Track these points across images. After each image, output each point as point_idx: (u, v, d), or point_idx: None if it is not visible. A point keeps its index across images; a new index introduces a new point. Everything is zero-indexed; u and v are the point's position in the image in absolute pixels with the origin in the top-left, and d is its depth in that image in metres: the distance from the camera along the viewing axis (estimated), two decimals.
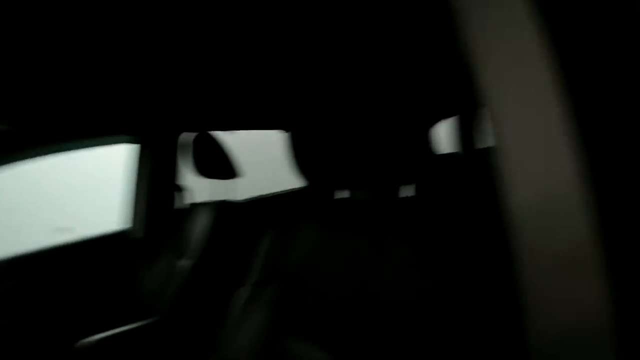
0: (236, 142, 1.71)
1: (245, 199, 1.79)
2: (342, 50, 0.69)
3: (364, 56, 0.73)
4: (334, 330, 0.53)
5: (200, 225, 1.34)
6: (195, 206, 1.50)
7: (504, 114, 0.25)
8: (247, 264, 0.74)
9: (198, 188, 1.72)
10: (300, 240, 0.66)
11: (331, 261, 0.58)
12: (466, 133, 1.37)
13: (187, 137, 1.51)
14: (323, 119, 0.54)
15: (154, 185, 1.60)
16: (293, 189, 2.18)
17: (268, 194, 2.00)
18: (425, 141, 0.52)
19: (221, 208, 1.29)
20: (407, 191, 0.62)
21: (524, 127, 0.24)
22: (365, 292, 0.50)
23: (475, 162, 1.23)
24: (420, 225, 0.50)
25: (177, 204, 1.71)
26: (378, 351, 0.45)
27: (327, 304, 0.56)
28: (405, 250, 0.47)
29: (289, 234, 0.68)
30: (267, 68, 0.80)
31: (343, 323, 0.52)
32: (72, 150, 1.37)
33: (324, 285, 0.58)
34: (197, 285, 1.21)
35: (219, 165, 1.36)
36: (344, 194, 0.65)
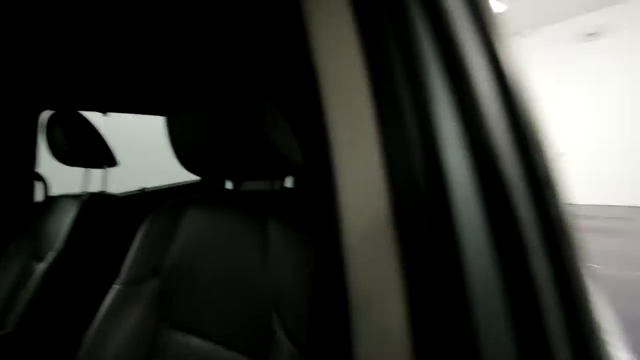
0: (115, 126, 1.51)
1: (121, 193, 1.60)
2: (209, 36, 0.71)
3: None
4: (216, 317, 0.54)
5: (62, 221, 1.14)
6: (54, 199, 1.27)
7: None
8: (117, 263, 0.69)
9: (59, 179, 1.46)
10: (179, 229, 0.64)
11: (210, 246, 0.59)
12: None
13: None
14: (195, 106, 0.54)
15: (4, 173, 1.29)
16: (176, 183, 2.06)
17: (148, 188, 1.83)
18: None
19: (89, 201, 1.12)
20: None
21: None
22: (245, 275, 0.53)
23: None
24: (295, 211, 0.56)
25: (34, 197, 1.42)
26: (260, 330, 0.48)
27: (207, 290, 0.57)
28: (283, 231, 0.51)
29: (167, 223, 0.66)
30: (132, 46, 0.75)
31: (224, 307, 0.54)
32: None
33: (203, 273, 0.58)
34: (56, 290, 1.04)
35: (86, 150, 1.18)
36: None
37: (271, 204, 0.55)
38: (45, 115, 1.37)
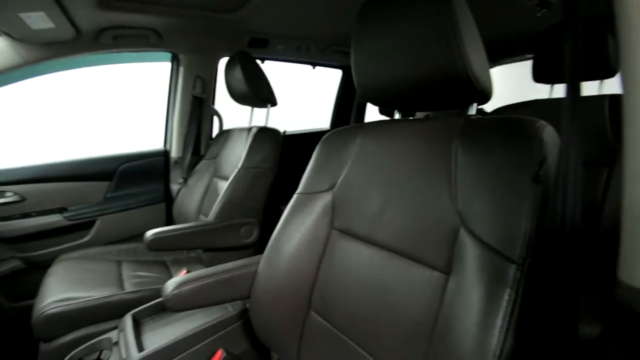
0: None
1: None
2: None
3: None
4: (391, 229, 0.62)
5: (237, 148, 1.41)
6: (229, 131, 1.56)
7: None
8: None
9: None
10: (353, 150, 0.72)
11: (385, 167, 0.65)
12: None
13: None
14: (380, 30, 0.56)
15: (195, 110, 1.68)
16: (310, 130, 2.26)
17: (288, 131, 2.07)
18: None
19: (259, 133, 1.34)
20: None
21: None
22: (424, 195, 0.58)
23: None
24: (487, 139, 0.54)
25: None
26: (441, 245, 0.52)
27: (381, 205, 0.64)
28: (473, 157, 0.53)
29: (341, 144, 0.75)
30: None
31: (400, 221, 0.60)
32: None
33: (377, 190, 0.65)
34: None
35: (258, 90, 1.38)
36: None
37: (459, 131, 0.55)
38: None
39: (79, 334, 0.98)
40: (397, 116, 0.73)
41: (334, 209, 0.72)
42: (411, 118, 0.74)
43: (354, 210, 0.68)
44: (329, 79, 2.34)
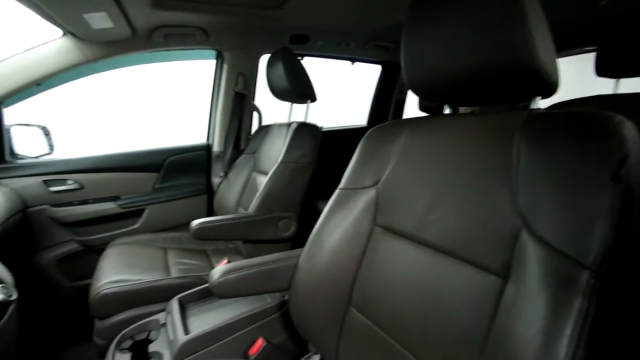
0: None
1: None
2: None
3: None
4: (439, 228, 0.60)
5: (277, 143, 1.43)
6: (268, 127, 1.59)
7: None
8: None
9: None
10: (399, 145, 0.70)
11: (433, 164, 0.63)
12: None
13: None
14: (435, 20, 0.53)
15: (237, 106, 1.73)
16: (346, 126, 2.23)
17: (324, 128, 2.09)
18: None
19: (299, 128, 1.35)
20: None
21: None
22: (479, 192, 0.55)
23: None
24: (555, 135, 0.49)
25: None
26: (497, 245, 0.50)
27: (429, 203, 0.62)
28: (539, 156, 0.50)
29: (386, 139, 0.73)
30: None
31: (450, 220, 0.58)
32: None
33: (424, 187, 0.63)
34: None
35: (299, 85, 1.39)
36: None
37: (522, 126, 0.52)
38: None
39: (130, 314, 1.05)
40: (447, 111, 0.70)
41: (377, 206, 0.71)
42: (460, 113, 0.71)
43: (399, 207, 0.66)
44: (361, 75, 2.31)
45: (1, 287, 0.69)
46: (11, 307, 0.70)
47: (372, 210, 0.71)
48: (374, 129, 0.79)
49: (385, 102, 2.31)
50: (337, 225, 0.75)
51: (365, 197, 0.73)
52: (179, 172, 1.70)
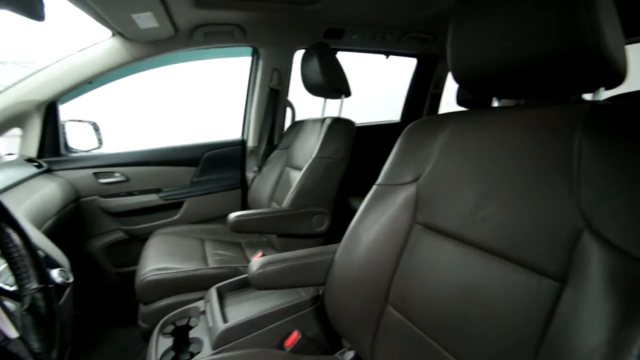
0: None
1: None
2: None
3: None
4: (487, 227, 0.57)
5: (310, 139, 1.43)
6: (301, 122, 1.60)
7: None
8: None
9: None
10: (441, 140, 0.67)
11: (480, 160, 0.60)
12: None
13: None
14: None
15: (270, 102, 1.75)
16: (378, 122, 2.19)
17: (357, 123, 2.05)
18: None
19: (333, 124, 1.34)
20: None
21: None
22: (530, 190, 0.52)
23: None
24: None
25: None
26: (556, 247, 0.47)
27: (476, 200, 0.59)
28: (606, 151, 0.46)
29: (427, 134, 0.70)
30: None
31: (498, 220, 0.55)
32: None
33: (470, 183, 0.60)
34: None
35: (334, 80, 1.38)
36: None
37: (584, 120, 0.47)
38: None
39: (171, 301, 1.11)
40: (495, 104, 0.66)
41: (417, 202, 0.69)
42: (506, 106, 0.67)
43: (442, 205, 0.64)
44: (390, 71, 2.25)
45: (60, 270, 0.75)
46: (68, 289, 0.75)
47: (412, 207, 0.69)
48: (415, 124, 0.76)
49: (420, 97, 2.24)
50: (374, 221, 0.74)
51: (405, 194, 0.71)
52: (215, 166, 1.76)
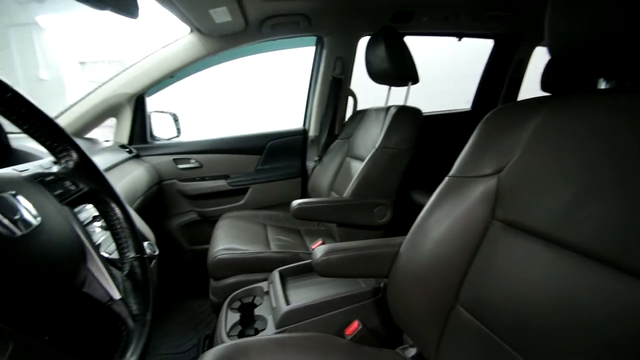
0: None
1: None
2: None
3: None
4: (580, 226, 0.49)
5: (373, 129, 1.40)
6: (364, 111, 1.57)
7: None
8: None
9: None
10: (529, 129, 0.60)
11: (579, 153, 0.51)
12: None
13: None
14: None
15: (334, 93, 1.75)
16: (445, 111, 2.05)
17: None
18: None
19: (397, 113, 1.29)
20: None
21: None
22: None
23: None
24: None
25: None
26: None
27: (570, 196, 0.51)
28: None
29: (512, 122, 0.63)
30: None
31: (595, 218, 0.47)
32: None
33: (563, 178, 0.53)
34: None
35: (402, 67, 1.32)
36: None
37: None
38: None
39: (238, 279, 1.18)
40: (602, 86, 0.57)
41: (498, 197, 0.63)
42: (605, 88, 0.57)
43: (530, 200, 0.57)
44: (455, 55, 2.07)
45: (148, 243, 0.84)
46: (154, 261, 0.85)
47: (491, 202, 0.63)
48: (497, 110, 0.69)
49: (496, 83, 2.04)
50: (445, 215, 0.69)
51: (483, 187, 0.65)
52: (278, 155, 1.82)
